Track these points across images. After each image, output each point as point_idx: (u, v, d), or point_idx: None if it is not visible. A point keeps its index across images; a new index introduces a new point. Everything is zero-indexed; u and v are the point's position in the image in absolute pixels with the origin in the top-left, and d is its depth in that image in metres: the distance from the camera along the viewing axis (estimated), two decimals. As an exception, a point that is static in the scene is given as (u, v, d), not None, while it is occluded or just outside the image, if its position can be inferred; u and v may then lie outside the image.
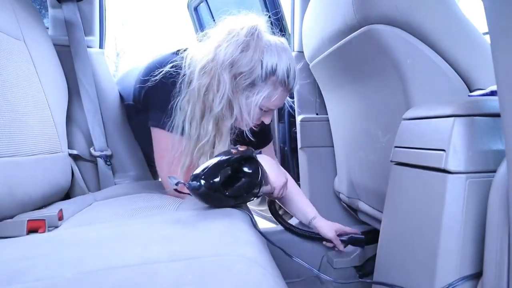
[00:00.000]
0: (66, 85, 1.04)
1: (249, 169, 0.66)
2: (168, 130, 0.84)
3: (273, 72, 0.81)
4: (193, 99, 0.82)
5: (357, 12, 0.73)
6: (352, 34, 0.78)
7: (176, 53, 0.90)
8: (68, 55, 1.09)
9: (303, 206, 1.08)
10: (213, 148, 0.85)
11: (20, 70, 0.83)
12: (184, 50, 0.89)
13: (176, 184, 0.62)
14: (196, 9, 1.86)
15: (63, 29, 1.13)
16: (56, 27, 1.17)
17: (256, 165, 0.68)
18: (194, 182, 0.60)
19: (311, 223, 1.07)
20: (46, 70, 0.95)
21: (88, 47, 1.16)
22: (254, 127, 0.92)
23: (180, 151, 0.84)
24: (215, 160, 0.63)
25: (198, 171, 0.62)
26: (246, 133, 0.90)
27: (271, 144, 1.14)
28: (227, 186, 0.63)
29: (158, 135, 0.89)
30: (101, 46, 1.26)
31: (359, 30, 0.74)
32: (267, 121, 0.91)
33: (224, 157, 0.64)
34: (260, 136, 1.04)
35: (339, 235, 1.07)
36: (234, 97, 0.82)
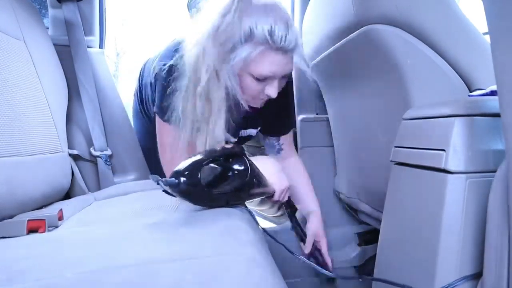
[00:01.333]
0: (66, 85, 1.04)
1: (238, 166, 0.65)
2: (166, 120, 0.83)
3: (251, 32, 0.75)
4: (187, 76, 0.80)
5: (357, 12, 0.73)
6: (352, 34, 0.78)
7: (176, 44, 0.87)
8: (68, 55, 1.09)
9: (307, 198, 1.07)
10: (214, 130, 0.81)
11: (20, 70, 0.83)
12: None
13: (157, 183, 0.58)
14: (196, 9, 1.86)
15: (63, 29, 1.13)
16: (56, 27, 1.18)
17: (245, 164, 0.66)
18: (172, 178, 0.57)
19: (307, 216, 1.06)
20: (46, 70, 0.95)
21: (88, 47, 1.16)
22: (261, 104, 0.87)
23: (178, 137, 0.82)
24: (196, 157, 0.61)
25: (177, 167, 0.59)
26: (242, 104, 0.82)
27: (291, 134, 1.09)
28: (216, 185, 0.61)
29: (159, 124, 0.88)
30: (101, 46, 1.27)
31: (359, 30, 0.74)
32: (272, 93, 0.82)
33: (205, 154, 0.62)
34: (278, 120, 1.02)
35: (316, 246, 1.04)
36: (220, 66, 0.77)
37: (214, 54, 0.75)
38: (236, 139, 0.93)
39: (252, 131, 1.04)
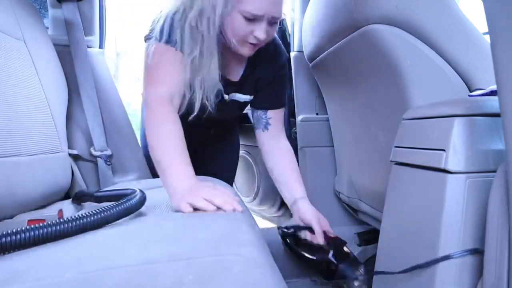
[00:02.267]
0: (66, 85, 1.04)
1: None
2: (166, 42, 0.78)
3: None
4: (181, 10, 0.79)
5: (357, 12, 0.73)
6: (352, 34, 0.78)
7: None
8: (68, 55, 1.09)
9: (294, 184, 0.97)
10: (209, 70, 0.80)
11: (20, 70, 0.83)
12: None
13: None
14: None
15: (63, 29, 1.13)
16: (56, 27, 1.17)
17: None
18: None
19: (294, 204, 0.95)
20: (46, 70, 0.95)
21: (88, 47, 1.16)
22: (250, 51, 0.83)
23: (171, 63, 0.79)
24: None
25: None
26: (232, 42, 0.81)
27: (280, 112, 1.02)
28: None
29: (152, 49, 0.80)
30: (101, 46, 1.27)
31: (359, 30, 0.74)
32: (260, 34, 0.79)
33: None
34: (267, 92, 0.99)
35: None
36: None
37: None
38: (221, 98, 0.92)
39: (240, 97, 0.99)
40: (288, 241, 0.98)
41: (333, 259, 0.87)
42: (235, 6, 0.75)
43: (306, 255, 0.93)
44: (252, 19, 0.76)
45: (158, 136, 0.73)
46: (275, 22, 0.81)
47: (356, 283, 0.83)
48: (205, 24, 0.76)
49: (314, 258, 0.91)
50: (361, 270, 0.86)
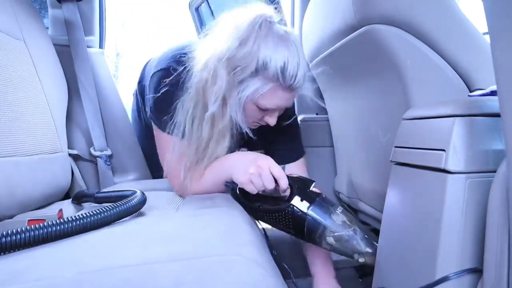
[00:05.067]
0: (66, 85, 1.04)
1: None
2: (168, 132, 0.82)
3: (264, 66, 0.73)
4: (194, 98, 0.78)
5: (357, 12, 0.73)
6: (352, 34, 0.78)
7: (181, 49, 0.84)
8: (68, 55, 1.09)
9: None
10: (216, 151, 0.81)
11: (20, 70, 0.83)
12: (188, 46, 0.83)
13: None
14: (197, 9, 1.87)
15: (63, 29, 1.13)
16: (56, 27, 1.18)
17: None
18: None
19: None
20: (46, 70, 0.95)
21: (88, 47, 1.16)
22: (256, 127, 0.86)
23: (180, 153, 0.82)
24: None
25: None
26: (246, 132, 0.82)
27: (301, 162, 0.98)
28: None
29: (159, 135, 0.87)
30: (101, 46, 1.27)
31: (359, 30, 0.74)
32: (271, 122, 0.83)
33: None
34: (285, 147, 0.97)
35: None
36: (229, 94, 0.76)
37: (224, 82, 0.74)
38: None
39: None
40: (238, 192, 0.78)
41: (303, 205, 0.70)
42: (251, 98, 0.77)
43: (266, 207, 0.76)
44: (265, 110, 0.80)
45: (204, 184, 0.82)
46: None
47: (361, 260, 0.70)
48: (220, 109, 0.77)
49: (277, 207, 0.74)
50: (339, 210, 0.72)
